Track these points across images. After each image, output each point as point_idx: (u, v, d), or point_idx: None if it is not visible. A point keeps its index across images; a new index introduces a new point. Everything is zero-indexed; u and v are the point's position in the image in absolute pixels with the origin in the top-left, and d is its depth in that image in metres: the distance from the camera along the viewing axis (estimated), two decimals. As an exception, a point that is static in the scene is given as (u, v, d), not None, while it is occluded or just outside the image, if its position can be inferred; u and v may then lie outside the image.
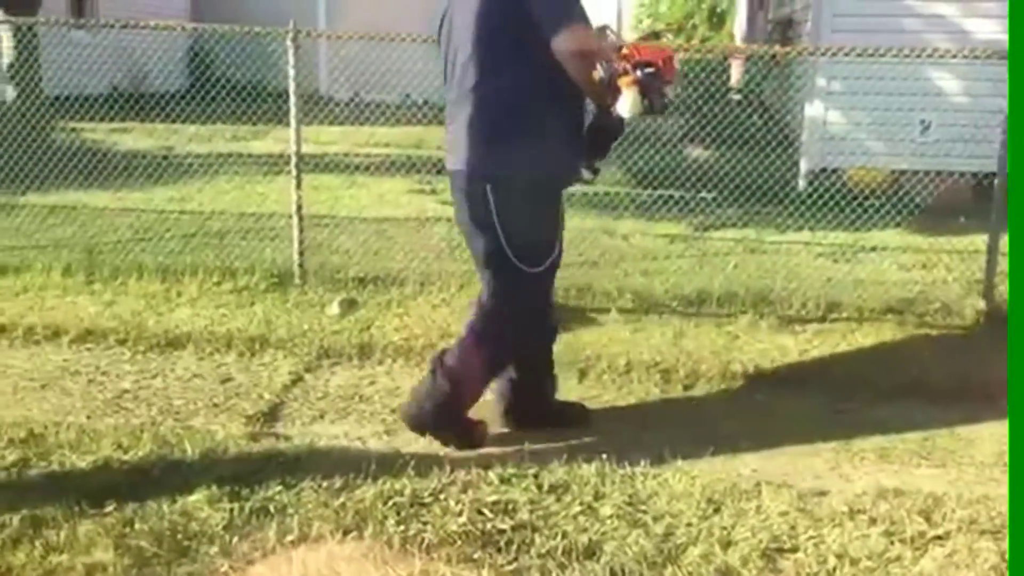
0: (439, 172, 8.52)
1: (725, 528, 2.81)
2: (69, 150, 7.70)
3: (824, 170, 8.36)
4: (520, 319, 3.40)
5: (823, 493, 3.08)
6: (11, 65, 8.95)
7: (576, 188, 8.31)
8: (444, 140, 3.39)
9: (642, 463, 3.21)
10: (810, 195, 6.55)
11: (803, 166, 8.60)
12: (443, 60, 3.34)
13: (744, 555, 2.67)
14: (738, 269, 5.61)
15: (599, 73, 3.07)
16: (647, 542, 2.72)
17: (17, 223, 6.34)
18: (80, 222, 6.34)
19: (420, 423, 3.41)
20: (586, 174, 3.43)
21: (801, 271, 5.55)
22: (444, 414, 3.39)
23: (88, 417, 3.59)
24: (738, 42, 13.99)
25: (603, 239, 6.47)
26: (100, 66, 10.59)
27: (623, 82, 3.07)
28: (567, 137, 3.28)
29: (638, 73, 3.08)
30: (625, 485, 3.06)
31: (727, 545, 2.73)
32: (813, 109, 8.58)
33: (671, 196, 7.04)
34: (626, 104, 3.10)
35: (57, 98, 8.63)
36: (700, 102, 8.94)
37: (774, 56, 6.00)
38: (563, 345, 4.47)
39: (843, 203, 6.08)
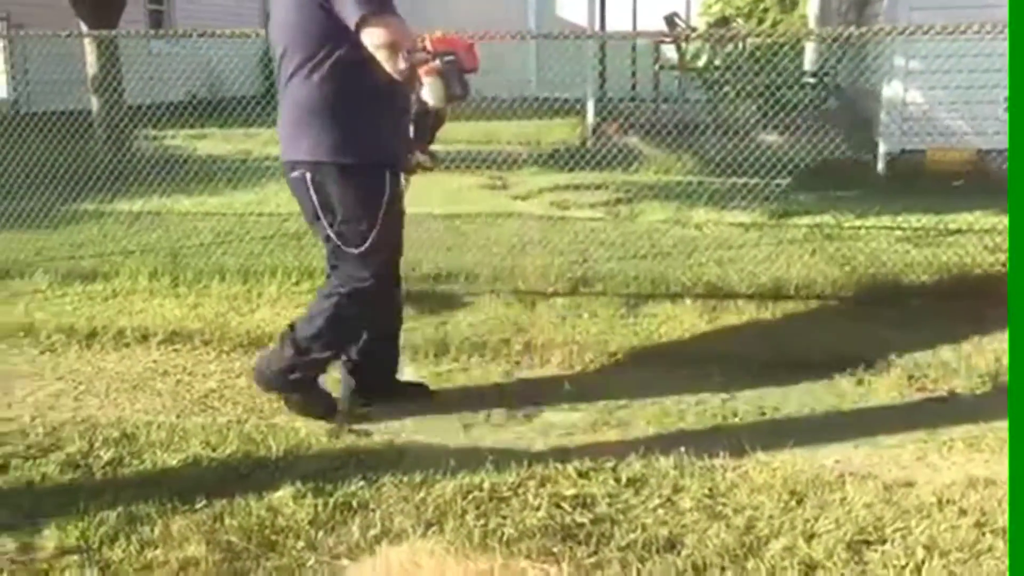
0: (510, 168, 8.58)
1: (808, 520, 2.77)
2: (152, 158, 7.94)
3: (904, 152, 8.14)
4: (358, 300, 3.49)
5: (910, 484, 3.01)
6: (94, 77, 9.27)
7: (647, 179, 8.29)
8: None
9: (721, 455, 3.18)
10: (890, 178, 6.39)
11: (882, 148, 8.38)
12: (274, 57, 3.46)
13: (828, 548, 2.63)
14: (816, 256, 5.50)
15: (400, 64, 3.15)
16: (728, 535, 2.70)
17: (105, 230, 6.57)
18: (164, 227, 6.54)
19: (265, 383, 3.63)
20: (422, 159, 3.53)
21: (882, 256, 5.42)
22: (287, 379, 3.57)
23: (177, 416, 3.70)
24: (811, 24, 13.69)
25: (675, 230, 6.41)
26: (178, 74, 10.90)
27: (423, 71, 3.15)
28: (385, 124, 3.35)
29: (437, 62, 3.16)
30: (704, 478, 3.04)
31: (810, 538, 2.69)
32: (891, 90, 8.36)
33: (745, 184, 6.95)
34: (429, 92, 3.19)
35: (139, 107, 8.90)
36: (773, 88, 8.79)
37: (848, 37, 5.86)
38: (638, 336, 4.46)
39: (924, 185, 5.91)
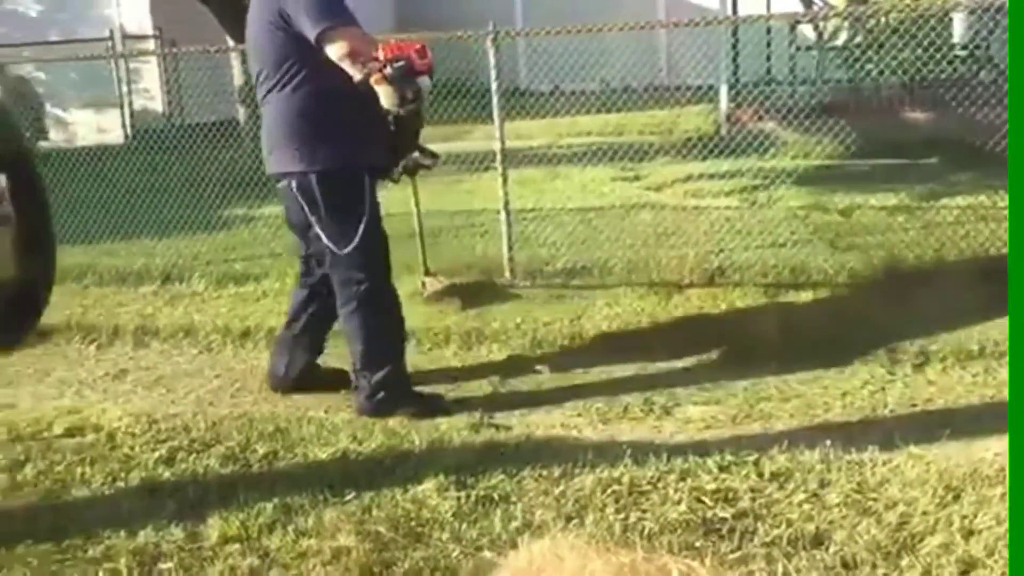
0: (642, 159, 8.50)
1: (966, 517, 2.64)
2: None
3: (1066, 124, 7.59)
4: (368, 303, 3.67)
5: (1079, 479, 2.82)
6: (240, 88, 9.71)
7: (785, 165, 8.05)
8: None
9: (870, 449, 3.07)
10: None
11: (1041, 121, 7.85)
12: (252, 77, 3.69)
13: (989, 545, 2.50)
14: (969, 238, 5.22)
15: (357, 76, 3.34)
16: (879, 531, 2.61)
17: (254, 233, 6.88)
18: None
19: (368, 413, 3.71)
20: (420, 159, 3.78)
21: (1043, 237, 5.08)
22: (381, 401, 3.70)
23: (326, 411, 3.85)
24: (959, -7, 12.95)
25: (816, 215, 6.20)
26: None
27: (374, 80, 3.33)
28: (359, 130, 3.52)
29: (387, 69, 3.29)
30: (852, 472, 2.95)
31: (969, 535, 2.56)
32: (1050, 58, 7.81)
33: (890, 165, 6.65)
34: (384, 99, 3.34)
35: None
36: (919, 63, 8.37)
37: (1001, 7, 5.51)
38: (778, 327, 4.35)
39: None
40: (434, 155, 3.81)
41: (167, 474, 3.28)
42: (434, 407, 3.74)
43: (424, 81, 3.41)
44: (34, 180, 0.76)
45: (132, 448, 3.49)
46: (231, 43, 9.21)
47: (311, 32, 3.36)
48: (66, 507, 3.09)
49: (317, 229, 3.60)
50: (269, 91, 3.57)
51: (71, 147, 11.08)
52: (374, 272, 3.67)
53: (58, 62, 10.78)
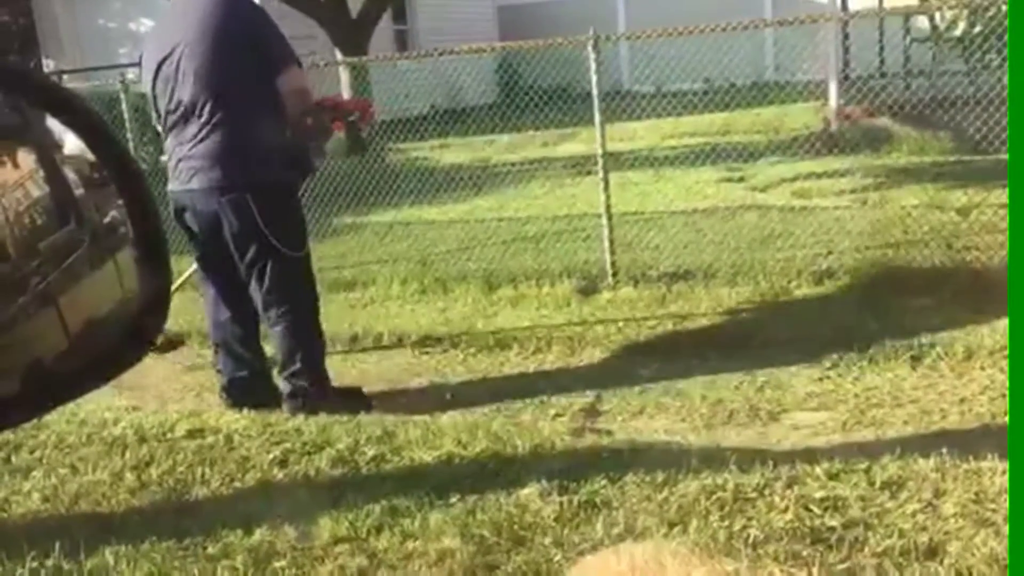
0: (747, 159, 8.36)
1: (1094, 531, 2.51)
2: (401, 170, 8.43)
3: None
4: (302, 295, 3.95)
5: None
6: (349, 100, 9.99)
7: (899, 162, 7.78)
8: (188, 163, 3.83)
9: (989, 457, 2.95)
10: None
11: None
12: (168, 94, 3.82)
13: (1120, 562, 2.37)
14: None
15: (308, 120, 3.82)
16: (998, 543, 2.50)
17: (362, 241, 7.07)
18: (414, 236, 6.94)
19: (304, 410, 3.91)
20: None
21: None
22: (316, 398, 3.94)
23: (431, 415, 3.93)
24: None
25: (931, 215, 5.98)
26: (419, 88, 11.52)
27: (336, 127, 4.06)
28: (291, 149, 3.86)
29: (345, 121, 4.13)
30: (970, 481, 2.83)
31: (1097, 550, 2.43)
32: None
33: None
34: (329, 138, 4.02)
35: (390, 122, 9.49)
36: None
37: None
38: (891, 330, 4.22)
39: None
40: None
41: (281, 475, 3.40)
42: (362, 404, 3.99)
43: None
44: (146, 198, 0.80)
45: (248, 450, 3.63)
46: (339, 55, 9.48)
47: (282, 63, 3.72)
48: (188, 506, 3.24)
49: (270, 236, 3.79)
50: (230, 110, 3.74)
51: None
52: (312, 279, 4.03)
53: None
